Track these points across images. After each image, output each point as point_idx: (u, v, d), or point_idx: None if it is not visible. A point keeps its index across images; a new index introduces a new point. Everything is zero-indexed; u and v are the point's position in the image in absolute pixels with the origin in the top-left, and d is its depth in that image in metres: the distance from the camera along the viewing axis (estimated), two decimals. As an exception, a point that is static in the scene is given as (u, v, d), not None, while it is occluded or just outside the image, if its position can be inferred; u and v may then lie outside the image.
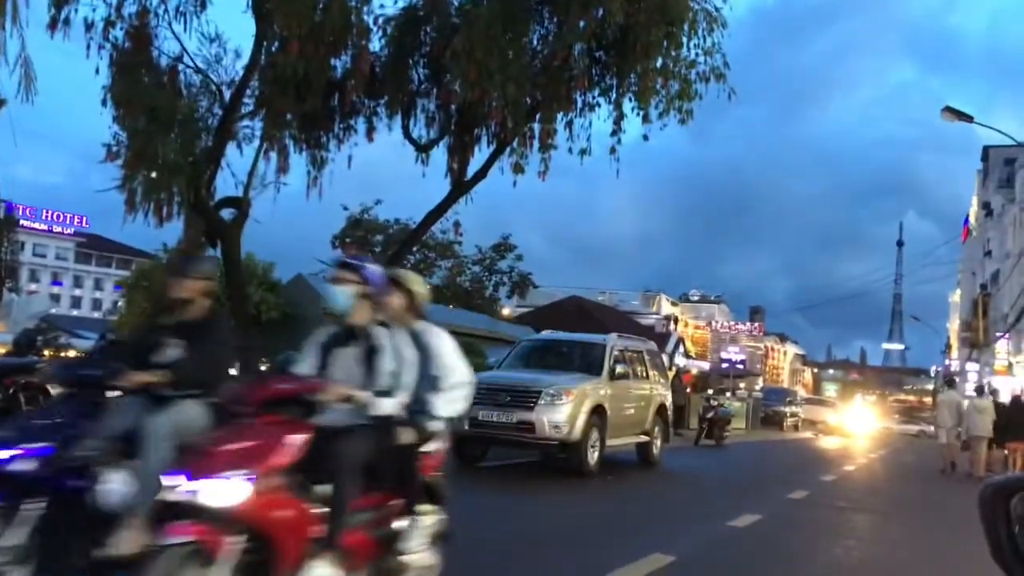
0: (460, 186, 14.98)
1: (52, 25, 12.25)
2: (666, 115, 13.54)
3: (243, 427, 3.87)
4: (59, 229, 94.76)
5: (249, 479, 3.58)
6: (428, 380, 4.68)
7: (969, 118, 21.41)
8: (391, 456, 4.34)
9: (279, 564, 3.66)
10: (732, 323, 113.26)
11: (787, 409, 42.36)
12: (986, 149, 61.76)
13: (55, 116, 32.29)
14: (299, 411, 3.94)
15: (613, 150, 13.78)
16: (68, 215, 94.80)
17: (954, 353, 73.87)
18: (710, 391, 32.90)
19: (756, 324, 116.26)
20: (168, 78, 13.68)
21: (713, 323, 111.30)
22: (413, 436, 4.48)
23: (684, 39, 13.16)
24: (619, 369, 13.70)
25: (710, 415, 23.60)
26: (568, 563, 6.64)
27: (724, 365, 78.62)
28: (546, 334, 16.76)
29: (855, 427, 42.04)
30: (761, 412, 39.57)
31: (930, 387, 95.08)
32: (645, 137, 13.79)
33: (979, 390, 20.98)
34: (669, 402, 16.04)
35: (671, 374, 21.96)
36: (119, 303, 36.88)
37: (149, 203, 13.23)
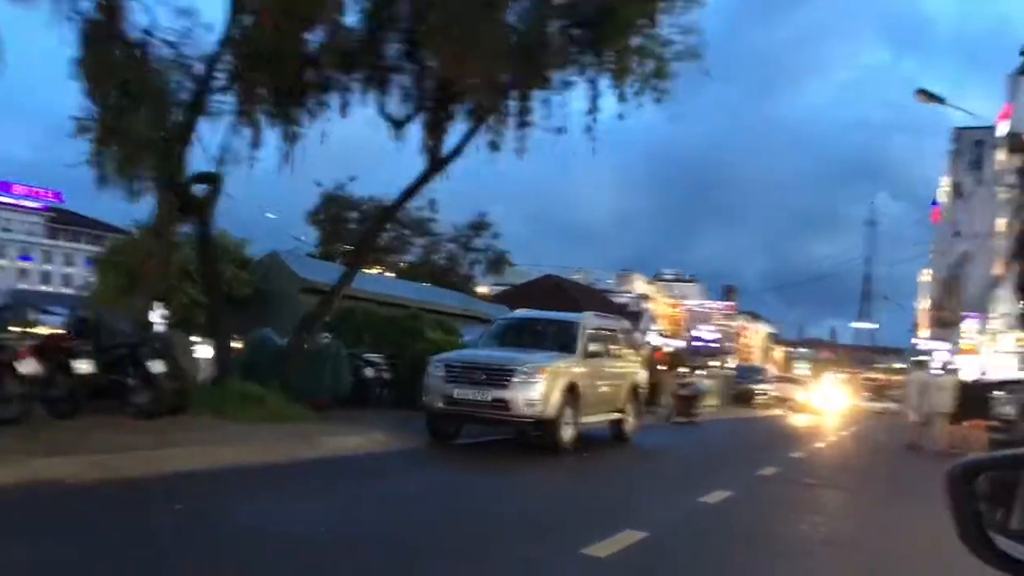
0: (436, 163, 14.90)
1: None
2: (642, 94, 13.56)
3: None
4: (31, 204, 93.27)
5: None
6: None
7: (941, 100, 21.65)
8: None
9: None
10: (705, 302, 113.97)
11: (759, 387, 42.86)
12: (957, 131, 62.26)
13: (26, 88, 31.66)
14: None
15: (589, 128, 13.79)
16: (41, 190, 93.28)
17: (923, 332, 74.95)
18: (683, 369, 33.15)
19: (729, 303, 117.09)
20: (139, 52, 13.45)
21: (686, 302, 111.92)
22: None
23: (661, 17, 13.17)
24: (593, 347, 13.79)
25: (683, 393, 23.84)
26: (541, 540, 6.71)
27: (697, 343, 79.18)
28: (521, 312, 16.78)
29: (825, 405, 42.58)
30: (733, 390, 40.01)
31: (899, 366, 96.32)
32: (621, 116, 13.83)
33: (944, 369, 21.44)
34: (643, 380, 16.17)
35: (645, 352, 22.13)
36: (91, 279, 36.40)
37: (121, 178, 13.06)
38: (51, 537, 5.62)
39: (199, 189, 14.47)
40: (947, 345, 53.86)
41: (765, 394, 43.11)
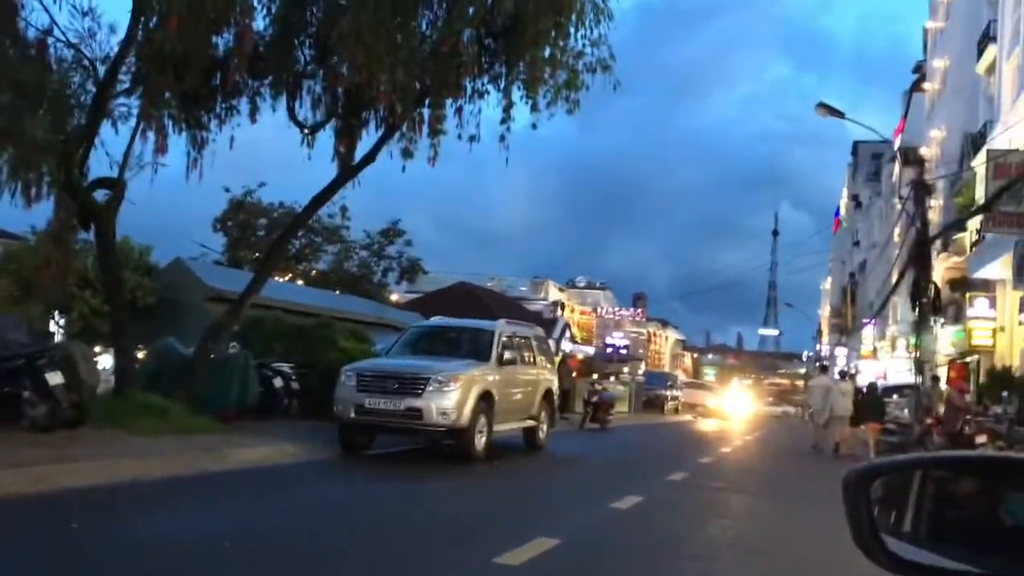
0: (347, 170, 14.73)
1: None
2: (554, 104, 13.67)
3: None
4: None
5: None
6: None
7: (841, 114, 22.36)
8: None
9: None
10: (616, 309, 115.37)
11: (668, 393, 43.67)
12: (856, 144, 64.78)
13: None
14: None
15: (502, 138, 13.82)
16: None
17: (825, 338, 77.67)
18: (595, 375, 33.51)
19: (639, 310, 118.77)
20: (37, 52, 12.93)
21: (598, 309, 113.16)
22: None
23: (572, 29, 13.30)
24: (507, 355, 13.82)
25: (594, 399, 24.09)
26: (454, 549, 6.69)
27: (608, 350, 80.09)
28: (435, 320, 16.74)
29: (732, 410, 43.74)
30: (643, 396, 40.62)
31: (802, 371, 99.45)
32: (534, 126, 13.92)
33: (843, 374, 22.39)
34: (555, 387, 16.29)
35: (558, 359, 22.29)
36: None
37: (16, 183, 12.53)
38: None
39: (100, 195, 14.00)
40: (845, 351, 55.94)
41: (675, 400, 43.94)
